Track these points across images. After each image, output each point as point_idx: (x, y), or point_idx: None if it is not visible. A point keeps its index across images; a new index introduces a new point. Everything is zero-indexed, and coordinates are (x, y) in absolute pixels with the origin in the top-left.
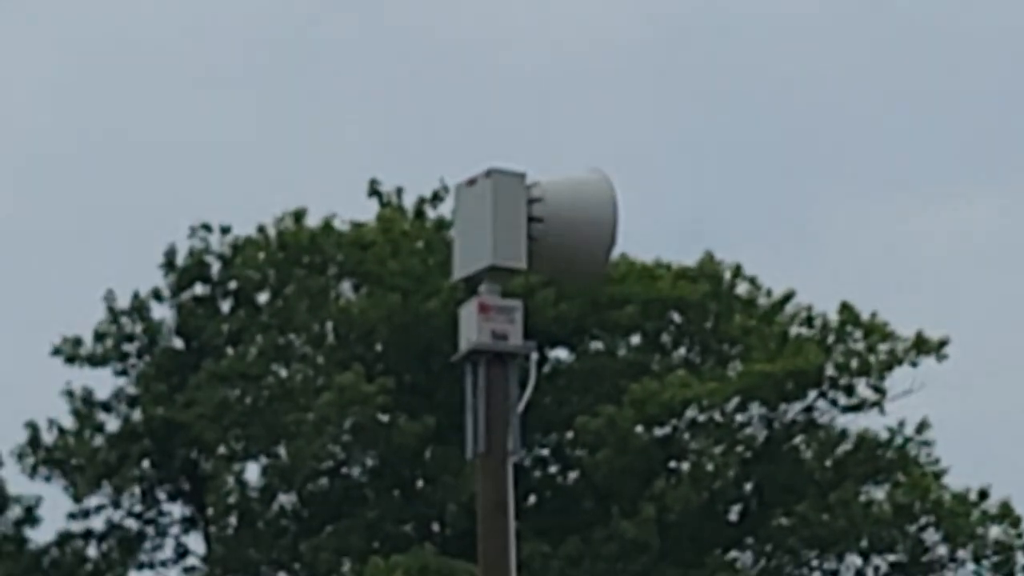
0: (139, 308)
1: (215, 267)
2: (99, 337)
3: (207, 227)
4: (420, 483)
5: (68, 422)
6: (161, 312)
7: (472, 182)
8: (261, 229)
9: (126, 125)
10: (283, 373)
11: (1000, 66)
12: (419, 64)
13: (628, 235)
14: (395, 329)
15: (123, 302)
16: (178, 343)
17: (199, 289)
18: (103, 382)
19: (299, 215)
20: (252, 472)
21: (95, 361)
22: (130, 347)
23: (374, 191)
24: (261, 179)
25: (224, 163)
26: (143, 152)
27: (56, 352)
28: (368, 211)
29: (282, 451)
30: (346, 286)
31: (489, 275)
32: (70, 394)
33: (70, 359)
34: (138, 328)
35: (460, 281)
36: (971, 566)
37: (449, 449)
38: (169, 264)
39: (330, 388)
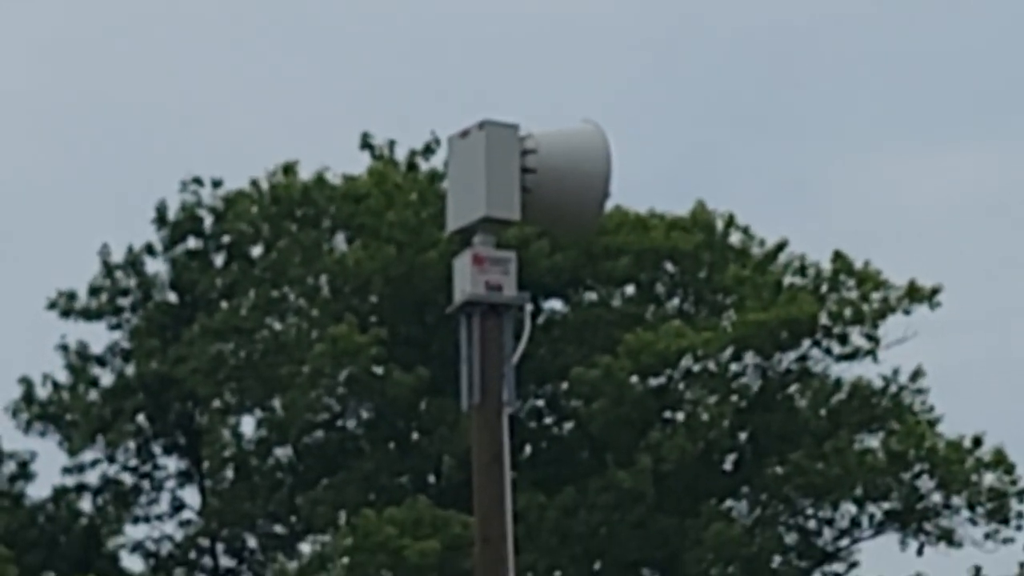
0: (133, 262)
1: (207, 221)
2: (94, 291)
3: (199, 181)
4: (415, 435)
5: (62, 377)
6: (155, 266)
7: (465, 134)
8: (254, 183)
9: (118, 80)
10: (277, 326)
11: (995, 19)
12: (411, 16)
13: (621, 185)
14: (389, 281)
15: (118, 256)
16: (172, 297)
17: (192, 243)
18: (98, 336)
19: (289, 168)
20: (247, 425)
21: (90, 315)
22: (124, 301)
23: (366, 144)
24: (252, 132)
25: (215, 117)
26: (135, 107)
27: (51, 306)
28: (360, 164)
29: (277, 404)
30: (340, 239)
31: (483, 227)
32: (64, 348)
33: (65, 313)
34: (132, 282)
35: (454, 233)
36: (965, 513)
37: (444, 401)
38: (161, 219)
39: (323, 340)
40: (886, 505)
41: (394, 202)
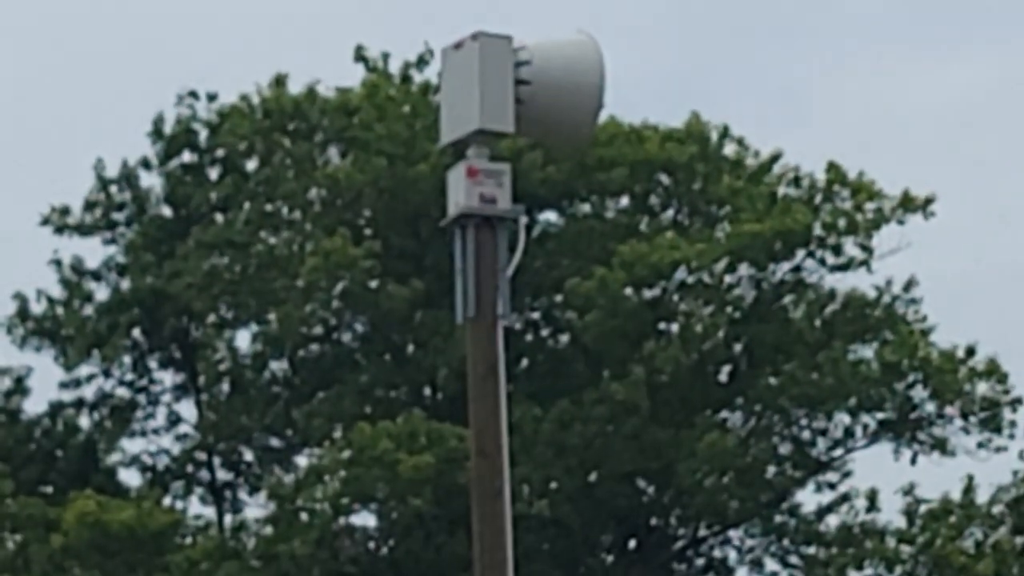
0: (128, 176)
1: (203, 135)
2: (88, 206)
3: (194, 94)
4: (411, 348)
5: (57, 292)
6: (150, 180)
7: (458, 46)
8: (244, 97)
9: None
10: (272, 240)
11: None
12: None
13: (615, 97)
14: (382, 194)
15: (112, 171)
16: (166, 211)
17: (187, 157)
18: (92, 251)
19: (280, 81)
20: (243, 339)
21: (84, 230)
22: (119, 216)
23: (360, 57)
24: (248, 45)
25: (212, 29)
26: (129, 18)
27: (45, 222)
28: (354, 77)
29: (272, 318)
30: (333, 152)
31: (477, 139)
32: (58, 264)
33: (59, 229)
34: (127, 196)
35: (448, 145)
36: (959, 422)
37: (439, 313)
38: (157, 132)
39: (316, 254)
40: (880, 415)
41: (386, 115)
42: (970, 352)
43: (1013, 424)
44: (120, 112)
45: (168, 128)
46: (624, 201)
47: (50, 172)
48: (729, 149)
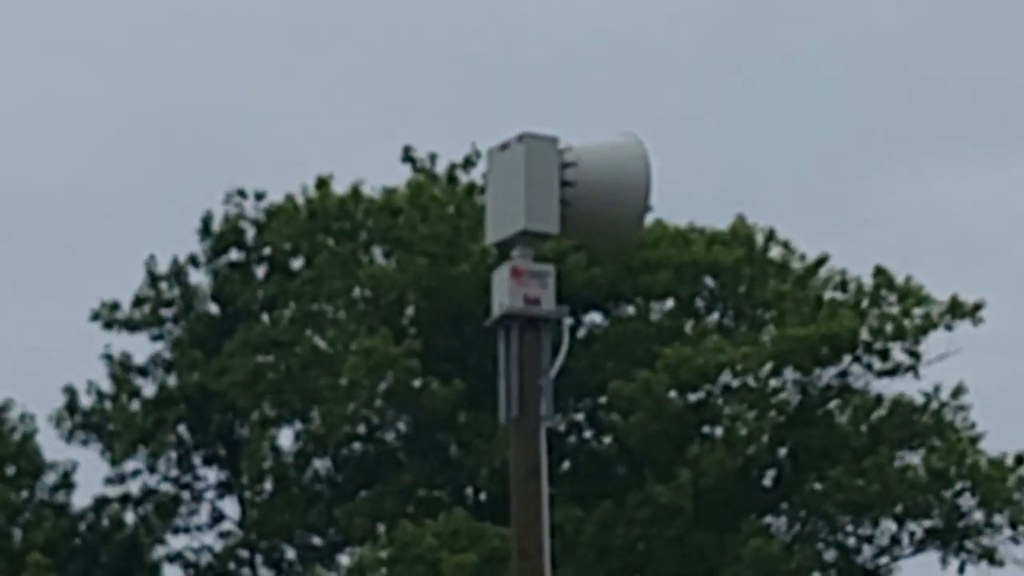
0: (177, 273)
1: (250, 233)
2: (138, 302)
3: (242, 193)
4: (453, 448)
5: (105, 386)
6: (198, 278)
7: (504, 147)
8: (290, 197)
9: (164, 91)
10: (315, 339)
11: None
12: (451, 28)
13: (661, 199)
14: (425, 294)
15: (164, 267)
16: (213, 309)
17: (234, 255)
18: (141, 347)
19: (323, 182)
20: (286, 437)
21: (132, 326)
22: (167, 312)
23: (408, 157)
24: (297, 145)
25: (261, 128)
26: (179, 117)
27: (94, 317)
28: (402, 176)
29: (315, 416)
30: (377, 252)
31: (522, 240)
32: (108, 358)
33: (108, 324)
34: (175, 293)
35: (492, 246)
36: (1007, 531)
37: (481, 414)
38: (205, 230)
39: (359, 352)
40: (927, 523)
41: (429, 215)
42: (1019, 460)
43: None
44: (174, 209)
45: (216, 226)
46: (669, 303)
47: (101, 267)
48: (775, 252)
